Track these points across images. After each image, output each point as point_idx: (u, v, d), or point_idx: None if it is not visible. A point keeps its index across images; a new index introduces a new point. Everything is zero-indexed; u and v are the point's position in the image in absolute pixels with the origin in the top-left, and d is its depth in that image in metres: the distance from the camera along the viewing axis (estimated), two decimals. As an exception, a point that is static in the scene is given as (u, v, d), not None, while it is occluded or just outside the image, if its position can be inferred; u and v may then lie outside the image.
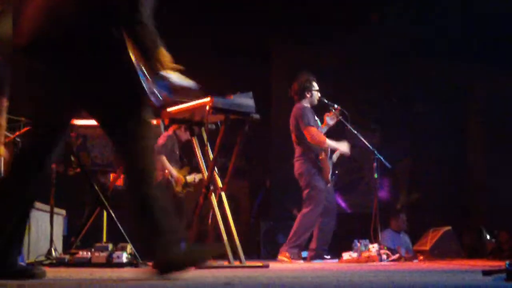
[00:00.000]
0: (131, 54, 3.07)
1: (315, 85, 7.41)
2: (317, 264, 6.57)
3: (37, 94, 3.21)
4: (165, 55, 3.14)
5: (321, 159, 7.16)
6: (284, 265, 6.23)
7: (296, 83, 7.42)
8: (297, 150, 7.31)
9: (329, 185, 7.26)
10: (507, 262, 2.75)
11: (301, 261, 7.00)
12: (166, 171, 7.16)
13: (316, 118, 7.31)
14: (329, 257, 7.19)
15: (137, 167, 3.18)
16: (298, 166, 7.26)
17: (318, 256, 7.12)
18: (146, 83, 3.12)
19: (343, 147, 7.27)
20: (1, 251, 3.11)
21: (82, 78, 3.11)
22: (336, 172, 7.54)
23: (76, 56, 3.08)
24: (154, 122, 5.56)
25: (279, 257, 7.03)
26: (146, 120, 3.23)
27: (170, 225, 3.13)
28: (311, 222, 7.11)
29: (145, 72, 3.13)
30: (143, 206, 3.12)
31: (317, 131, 7.12)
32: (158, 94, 3.18)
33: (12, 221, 3.12)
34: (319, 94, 7.40)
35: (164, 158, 7.14)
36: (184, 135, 7.17)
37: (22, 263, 4.03)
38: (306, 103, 7.33)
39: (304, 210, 7.11)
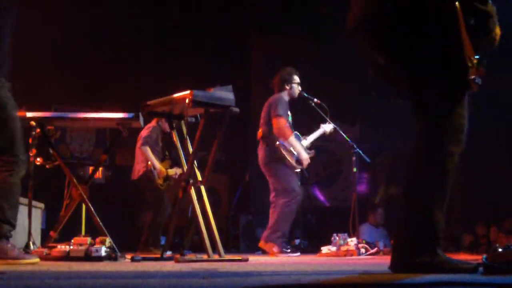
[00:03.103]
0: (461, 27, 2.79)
1: (296, 78, 7.38)
2: (295, 257, 6.58)
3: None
4: (498, 33, 2.93)
5: (277, 147, 7.04)
6: (263, 258, 6.24)
7: (277, 75, 7.41)
8: (263, 139, 7.23)
9: (296, 170, 7.20)
10: (484, 255, 2.77)
11: (289, 251, 7.01)
12: (149, 162, 7.13)
13: (289, 113, 7.25)
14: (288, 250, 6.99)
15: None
16: (263, 154, 7.18)
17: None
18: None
19: (304, 155, 7.13)
20: None
21: (411, 52, 2.92)
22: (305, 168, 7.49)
23: (407, 28, 2.89)
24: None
25: (265, 247, 6.90)
26: (463, 104, 2.95)
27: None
28: (291, 211, 7.04)
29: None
30: None
31: (285, 124, 7.05)
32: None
33: None
34: (299, 88, 7.38)
35: (148, 150, 7.11)
36: (167, 126, 7.16)
37: None
38: (285, 96, 7.30)
39: (282, 201, 7.00)
